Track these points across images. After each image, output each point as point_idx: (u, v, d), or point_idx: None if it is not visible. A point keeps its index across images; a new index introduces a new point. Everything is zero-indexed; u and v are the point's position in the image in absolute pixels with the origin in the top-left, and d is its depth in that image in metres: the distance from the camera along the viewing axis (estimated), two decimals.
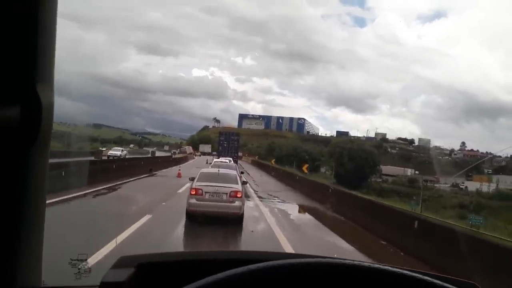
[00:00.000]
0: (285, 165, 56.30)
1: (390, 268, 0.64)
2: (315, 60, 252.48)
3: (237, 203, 9.59)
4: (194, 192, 9.69)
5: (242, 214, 9.88)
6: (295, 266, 0.62)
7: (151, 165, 28.23)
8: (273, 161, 43.84)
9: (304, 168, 27.53)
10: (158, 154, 55.78)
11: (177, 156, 48.76)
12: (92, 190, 14.20)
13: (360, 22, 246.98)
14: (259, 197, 17.19)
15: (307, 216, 13.76)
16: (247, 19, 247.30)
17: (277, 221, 11.33)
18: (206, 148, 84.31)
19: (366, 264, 0.64)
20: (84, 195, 13.00)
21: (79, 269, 1.42)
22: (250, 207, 13.78)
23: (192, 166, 36.06)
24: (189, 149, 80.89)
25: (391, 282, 0.62)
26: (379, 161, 78.22)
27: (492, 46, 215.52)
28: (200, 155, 74.70)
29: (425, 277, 0.62)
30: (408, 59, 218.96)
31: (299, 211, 14.54)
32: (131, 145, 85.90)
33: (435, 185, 73.98)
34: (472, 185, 74.47)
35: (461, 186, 77.49)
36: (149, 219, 9.86)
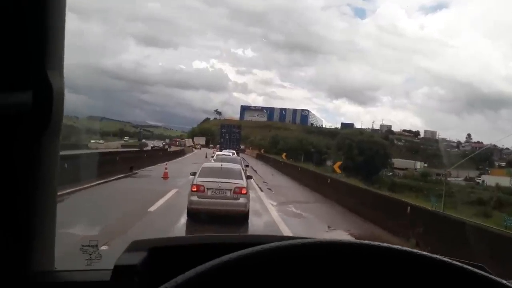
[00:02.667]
0: (289, 159, 50.29)
1: (399, 247, 0.62)
2: (315, 51, 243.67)
3: (242, 200, 8.77)
4: (195, 189, 8.74)
5: (248, 212, 9.05)
6: (308, 246, 0.61)
7: (134, 161, 21.77)
8: (284, 155, 36.75)
9: (336, 166, 20.46)
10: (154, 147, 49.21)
11: (172, 149, 42.05)
12: None
13: (361, 13, 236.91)
14: (281, 214, 10.64)
15: None
16: (247, 9, 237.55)
17: None
18: (201, 140, 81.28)
19: (376, 244, 0.63)
20: None
21: (90, 255, 1.36)
22: None
23: (188, 162, 29.51)
24: (189, 141, 75.18)
25: (401, 261, 0.61)
26: (390, 154, 71.82)
27: (494, 37, 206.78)
28: (200, 148, 68.50)
29: (435, 256, 0.61)
30: (410, 50, 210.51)
31: None
32: (126, 138, 78.43)
33: (448, 178, 67.74)
34: (490, 180, 68.07)
35: (477, 180, 71.02)
36: None
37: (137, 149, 32.39)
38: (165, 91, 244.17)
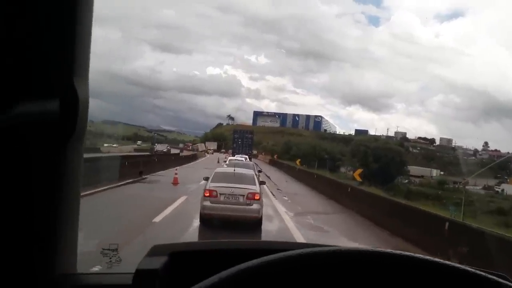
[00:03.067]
0: (302, 165, 49.09)
1: (422, 257, 0.63)
2: (329, 58, 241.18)
3: (255, 206, 8.55)
4: (208, 194, 8.58)
5: (261, 218, 8.75)
6: (332, 254, 0.62)
7: (145, 166, 21.06)
8: (298, 161, 35.48)
9: (356, 174, 18.99)
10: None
11: (184, 154, 41.35)
12: None
13: (375, 21, 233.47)
14: (298, 226, 9.59)
15: None
16: (261, 17, 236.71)
17: None
18: (212, 145, 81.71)
19: (398, 252, 0.63)
20: None
21: (110, 258, 1.37)
22: None
23: (199, 167, 28.70)
24: (201, 146, 74.78)
25: (424, 271, 0.61)
26: (407, 161, 69.91)
27: (511, 45, 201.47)
28: (212, 153, 67.89)
29: (458, 265, 0.62)
30: (425, 58, 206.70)
31: None
32: (139, 142, 77.73)
33: (466, 187, 65.54)
34: (510, 189, 65.55)
35: (496, 189, 68.57)
36: None
37: (148, 153, 31.52)
38: (179, 97, 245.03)
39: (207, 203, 8.48)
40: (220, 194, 8.50)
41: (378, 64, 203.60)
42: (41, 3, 0.78)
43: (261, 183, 10.47)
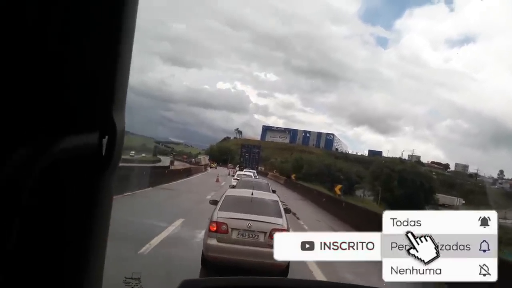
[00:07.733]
0: (313, 184, 39.25)
1: None
2: (337, 78, 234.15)
3: None
4: (215, 228, 5.87)
5: (288, 266, 5.67)
6: None
7: None
8: (338, 188, 24.13)
9: None
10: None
11: (174, 167, 31.05)
12: None
13: (383, 42, 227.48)
14: None
15: None
16: (270, 34, 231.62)
17: None
18: (206, 159, 74.70)
19: None
20: None
21: (132, 287, 1.14)
22: None
23: (184, 189, 18.49)
24: (204, 159, 64.89)
25: None
26: (436, 188, 59.23)
27: None
28: (216, 167, 57.72)
29: None
30: (433, 81, 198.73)
31: None
32: (132, 152, 67.17)
33: (500, 221, 54.69)
34: None
35: None
36: None
37: None
38: (188, 110, 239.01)
39: (213, 242, 5.75)
40: (232, 229, 5.78)
41: (386, 85, 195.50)
42: (84, 36, 0.76)
43: (286, 211, 6.76)
